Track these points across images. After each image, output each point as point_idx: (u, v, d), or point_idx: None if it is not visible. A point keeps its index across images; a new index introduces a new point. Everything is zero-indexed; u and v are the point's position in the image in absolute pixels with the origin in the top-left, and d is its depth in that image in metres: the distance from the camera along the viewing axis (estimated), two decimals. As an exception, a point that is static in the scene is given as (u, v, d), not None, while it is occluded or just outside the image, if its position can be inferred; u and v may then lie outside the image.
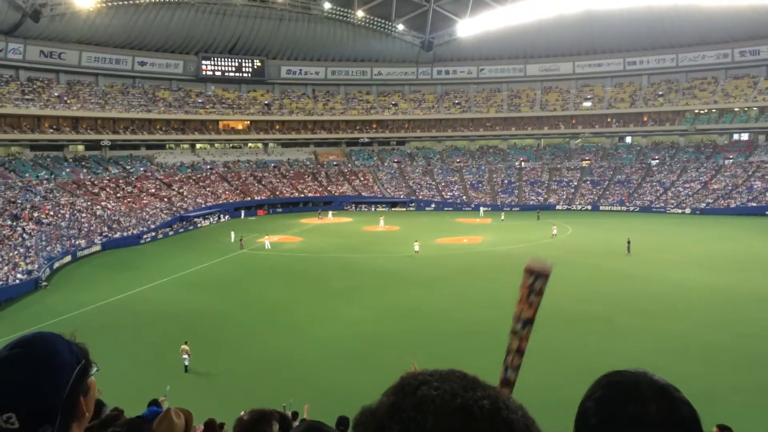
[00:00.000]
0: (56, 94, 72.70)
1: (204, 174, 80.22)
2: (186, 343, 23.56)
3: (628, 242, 44.71)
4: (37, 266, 40.69)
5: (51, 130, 70.28)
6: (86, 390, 1.72)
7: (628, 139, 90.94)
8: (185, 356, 23.11)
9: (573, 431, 1.40)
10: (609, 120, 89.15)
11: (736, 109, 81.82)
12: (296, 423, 13.34)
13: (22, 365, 1.60)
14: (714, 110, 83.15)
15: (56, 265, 44.09)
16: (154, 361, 24.30)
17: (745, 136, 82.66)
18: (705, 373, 21.00)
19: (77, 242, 50.44)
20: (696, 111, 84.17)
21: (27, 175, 61.73)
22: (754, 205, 68.43)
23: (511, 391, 2.36)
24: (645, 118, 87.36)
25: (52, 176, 63.71)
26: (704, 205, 71.35)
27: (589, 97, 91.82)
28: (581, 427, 1.34)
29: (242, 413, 4.50)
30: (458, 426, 0.81)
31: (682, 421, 1.27)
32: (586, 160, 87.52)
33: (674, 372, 20.61)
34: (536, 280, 2.66)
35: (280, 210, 78.96)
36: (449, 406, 0.84)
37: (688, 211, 71.09)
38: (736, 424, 10.32)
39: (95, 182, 66.63)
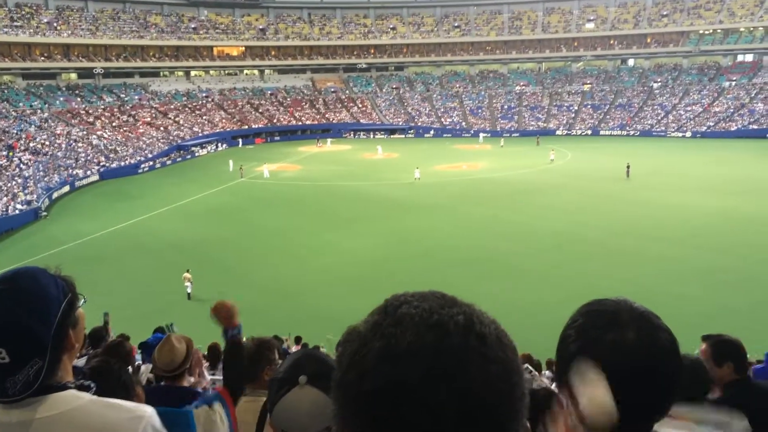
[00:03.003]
0: (45, 20, 70.81)
1: (200, 102, 79.19)
2: (188, 270, 23.86)
3: (628, 167, 44.62)
4: (35, 197, 40.72)
5: (42, 58, 68.85)
6: (74, 322, 1.71)
7: (631, 62, 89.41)
8: (188, 284, 23.44)
9: (555, 358, 1.42)
10: (612, 42, 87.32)
11: (741, 29, 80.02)
12: (297, 348, 13.64)
13: (8, 301, 1.59)
14: (719, 30, 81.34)
15: (55, 195, 44.14)
16: (158, 289, 24.66)
17: (749, 57, 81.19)
18: (702, 296, 21.38)
19: (75, 172, 50.33)
20: (701, 32, 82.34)
21: (20, 104, 60.90)
22: (755, 127, 67.88)
23: None
24: (648, 40, 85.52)
25: (46, 105, 62.90)
26: (705, 128, 70.81)
27: (592, 18, 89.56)
28: (562, 355, 1.36)
29: (244, 339, 4.57)
30: (434, 339, 0.87)
31: (661, 348, 1.30)
32: (587, 83, 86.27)
33: (672, 294, 21.11)
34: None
35: (278, 138, 78.40)
36: (426, 322, 0.89)
37: (688, 134, 70.63)
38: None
39: (90, 111, 65.83)
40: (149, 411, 1.74)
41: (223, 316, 3.50)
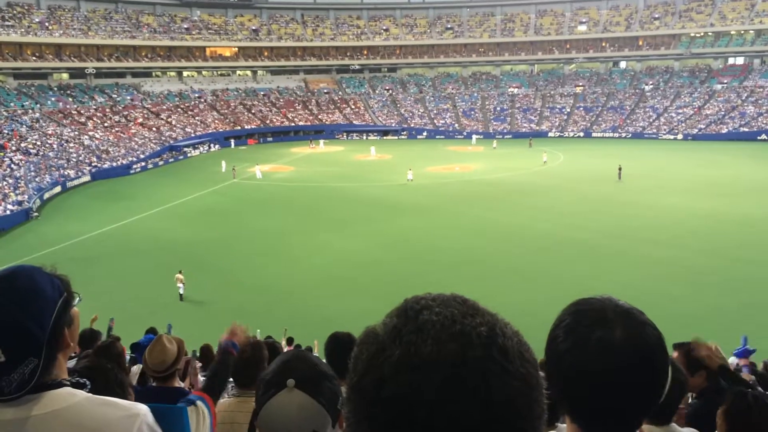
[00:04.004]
0: (37, 20, 70.46)
1: (192, 102, 78.95)
2: (180, 272, 23.77)
3: (619, 169, 44.80)
4: (27, 197, 40.47)
5: (34, 58, 68.49)
6: (70, 321, 1.72)
7: (623, 64, 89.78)
8: (180, 285, 23.35)
9: (543, 358, 1.43)
10: (604, 44, 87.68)
11: (732, 33, 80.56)
12: (288, 349, 13.62)
13: (4, 300, 1.59)
14: (710, 33, 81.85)
15: (46, 195, 43.89)
16: (150, 290, 24.54)
17: (740, 60, 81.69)
18: (691, 296, 21.51)
19: (66, 172, 50.07)
20: (692, 34, 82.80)
21: (12, 104, 60.53)
22: (746, 130, 68.32)
23: None
24: (640, 42, 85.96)
25: (38, 105, 62.56)
26: (696, 131, 71.18)
27: (584, 20, 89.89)
28: (551, 354, 1.37)
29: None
30: (455, 350, 0.85)
31: (647, 344, 1.31)
32: (579, 86, 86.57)
33: (661, 295, 21.22)
34: None
35: (270, 139, 78.26)
36: (448, 331, 0.87)
37: (680, 137, 70.98)
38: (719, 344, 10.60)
39: (81, 111, 65.52)
40: (144, 409, 1.75)
41: (231, 330, 3.64)
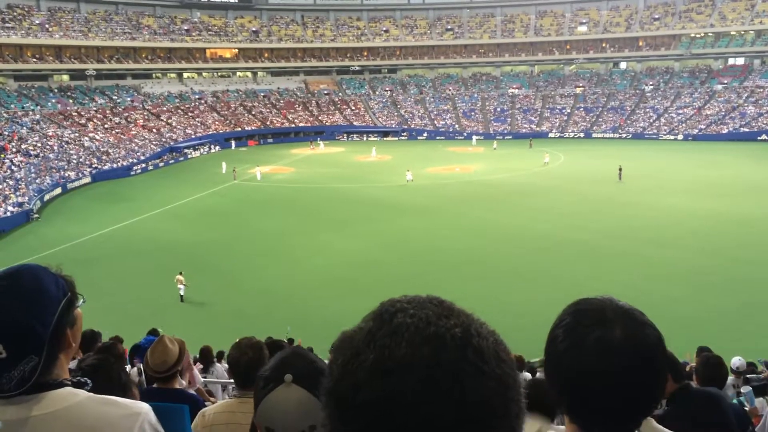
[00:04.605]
0: (37, 21, 70.50)
1: (192, 104, 78.98)
2: (181, 273, 23.77)
3: (620, 169, 44.80)
4: (27, 198, 40.51)
5: (34, 60, 68.52)
6: (72, 322, 1.73)
7: (623, 65, 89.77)
8: (180, 286, 23.36)
9: (543, 358, 1.43)
10: (604, 45, 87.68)
11: (732, 33, 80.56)
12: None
13: (8, 297, 1.60)
14: (710, 34, 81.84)
15: (47, 197, 43.92)
16: (150, 292, 24.55)
17: (740, 61, 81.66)
18: (691, 296, 21.52)
19: (67, 174, 50.09)
20: (692, 35, 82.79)
21: (12, 106, 60.56)
22: (746, 130, 68.30)
23: None
24: (640, 43, 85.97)
25: (38, 107, 62.59)
26: (696, 131, 71.17)
27: (584, 21, 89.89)
28: (550, 354, 1.37)
29: (238, 340, 4.57)
30: (430, 353, 0.84)
31: (647, 344, 1.31)
32: (579, 86, 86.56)
33: (661, 295, 21.23)
34: None
35: (271, 140, 78.27)
36: (422, 334, 0.86)
37: (680, 137, 70.96)
38: (718, 345, 10.65)
39: (82, 113, 65.54)
40: (145, 408, 1.76)
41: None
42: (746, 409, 5.73)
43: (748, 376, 7.96)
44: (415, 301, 0.94)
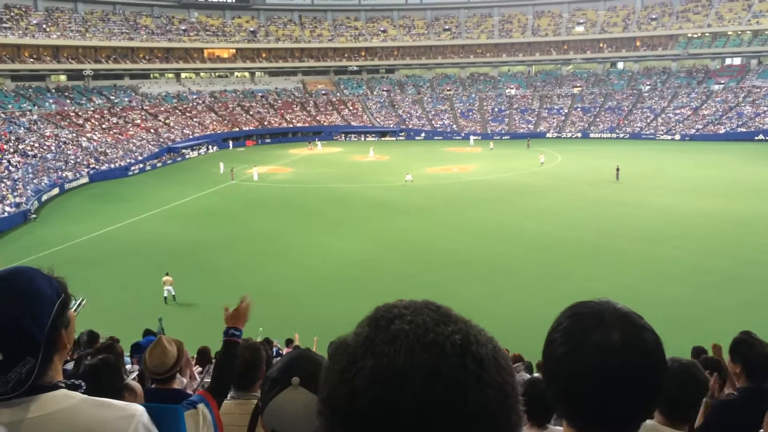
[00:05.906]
0: (35, 21, 70.40)
1: (190, 104, 78.91)
2: (167, 273, 23.62)
3: (617, 169, 44.84)
4: (25, 199, 40.46)
5: (31, 60, 68.42)
6: (67, 323, 1.72)
7: (620, 65, 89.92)
8: (168, 287, 23.23)
9: (541, 361, 1.43)
10: (601, 45, 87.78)
11: (729, 33, 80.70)
12: (287, 350, 13.63)
13: (3, 299, 1.60)
14: (707, 34, 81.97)
15: (44, 197, 43.85)
16: (148, 292, 24.47)
17: (737, 61, 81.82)
18: (689, 296, 21.54)
19: (64, 174, 50.02)
20: (689, 35, 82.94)
21: (9, 106, 60.46)
22: (743, 130, 68.43)
23: None
24: (637, 43, 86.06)
25: (35, 107, 62.50)
26: (694, 131, 71.28)
27: (581, 21, 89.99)
28: (548, 357, 1.36)
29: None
30: (429, 360, 0.83)
31: (645, 347, 1.30)
32: (577, 86, 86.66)
33: (660, 296, 21.24)
34: None
35: (269, 141, 78.22)
36: (421, 341, 0.85)
37: (677, 137, 71.06)
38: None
39: (79, 113, 65.45)
40: (140, 409, 1.76)
41: (231, 314, 3.41)
42: None
43: None
44: (412, 307, 0.92)
